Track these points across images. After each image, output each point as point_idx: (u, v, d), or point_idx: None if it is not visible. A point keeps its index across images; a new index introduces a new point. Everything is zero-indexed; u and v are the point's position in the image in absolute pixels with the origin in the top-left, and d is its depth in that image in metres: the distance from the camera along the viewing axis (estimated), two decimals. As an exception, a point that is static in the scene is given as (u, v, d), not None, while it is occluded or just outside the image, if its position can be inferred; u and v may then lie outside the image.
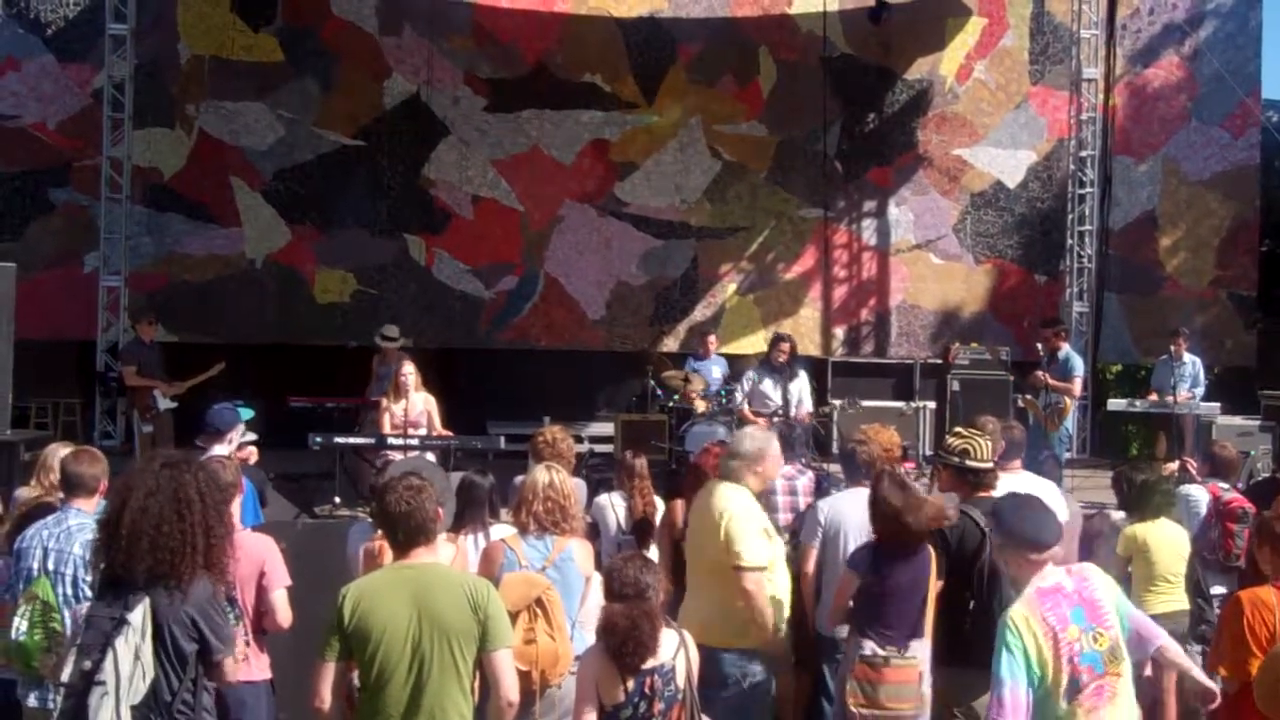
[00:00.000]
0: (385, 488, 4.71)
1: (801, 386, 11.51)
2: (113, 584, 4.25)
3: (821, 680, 6.94)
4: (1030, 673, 4.39)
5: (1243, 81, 16.93)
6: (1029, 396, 12.34)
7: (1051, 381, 12.02)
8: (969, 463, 6.00)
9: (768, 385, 11.43)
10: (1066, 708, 4.40)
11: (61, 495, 5.86)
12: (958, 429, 6.46)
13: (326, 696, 4.48)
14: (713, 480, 6.19)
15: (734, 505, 5.96)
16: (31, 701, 5.47)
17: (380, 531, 5.74)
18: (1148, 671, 5.76)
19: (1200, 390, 13.44)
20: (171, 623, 4.20)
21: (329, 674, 4.49)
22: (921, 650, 5.73)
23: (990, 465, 6.09)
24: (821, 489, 8.65)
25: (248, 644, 5.58)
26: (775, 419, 10.72)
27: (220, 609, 4.40)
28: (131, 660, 4.09)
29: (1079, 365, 12.54)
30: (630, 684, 4.70)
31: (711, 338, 13.89)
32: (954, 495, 6.10)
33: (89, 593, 5.29)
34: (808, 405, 11.56)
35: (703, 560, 6.00)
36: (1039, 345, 12.68)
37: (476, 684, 4.61)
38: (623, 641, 4.69)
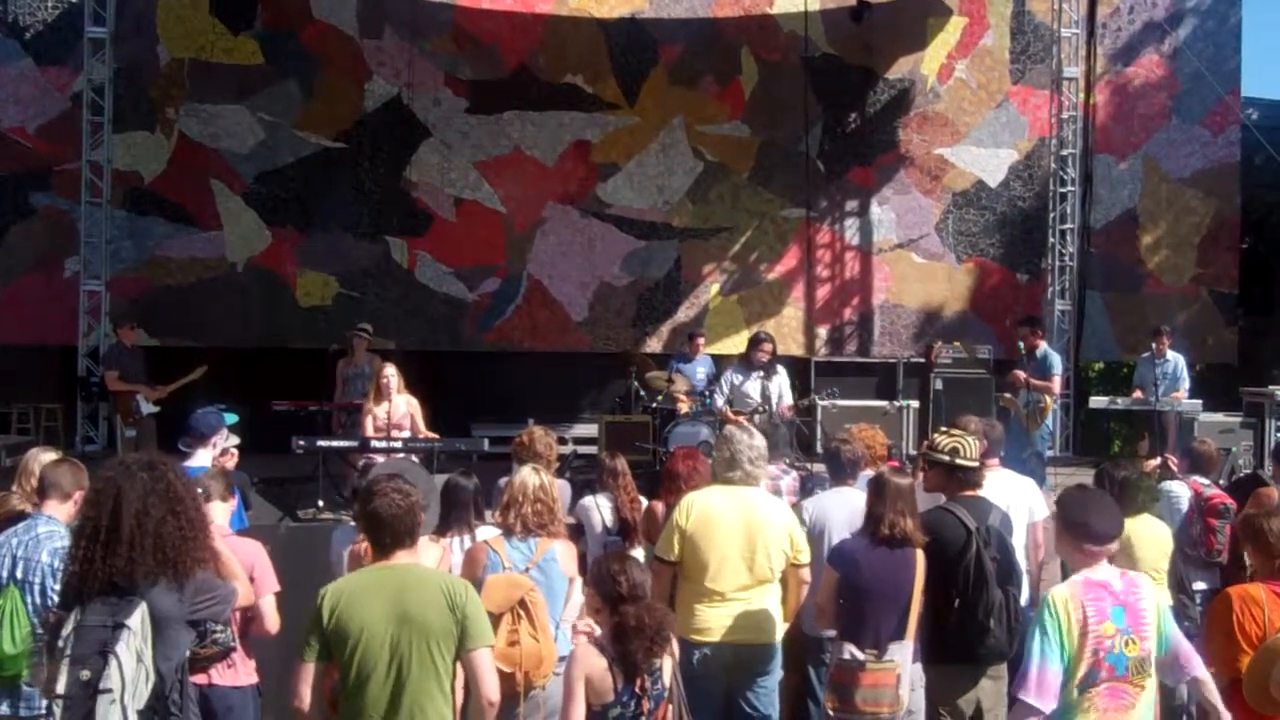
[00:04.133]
0: (374, 491, 4.68)
1: (781, 383, 11.50)
2: (106, 591, 4.21)
3: (808, 681, 6.98)
4: (1062, 654, 4.48)
5: (1223, 79, 16.99)
6: (1008, 395, 12.35)
7: (1033, 381, 12.03)
8: (959, 461, 6.01)
9: (749, 385, 11.42)
10: (1078, 697, 4.46)
11: (37, 500, 5.83)
12: (944, 428, 6.47)
13: (306, 696, 4.49)
14: (739, 487, 6.17)
15: (785, 508, 6.37)
16: (4, 710, 5.43)
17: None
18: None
19: (1186, 387, 13.46)
20: (164, 623, 4.19)
21: (308, 674, 4.49)
22: (901, 653, 5.75)
23: (978, 464, 6.10)
24: (806, 489, 8.67)
25: (234, 649, 5.58)
26: (757, 416, 10.71)
27: (215, 585, 4.45)
28: (134, 664, 4.08)
29: (1058, 363, 12.55)
30: (620, 684, 4.70)
31: (699, 340, 13.88)
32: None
33: (56, 601, 5.26)
34: (788, 400, 11.56)
35: (754, 567, 6.00)
36: (1020, 344, 12.69)
37: (459, 684, 4.61)
38: (652, 641, 4.70)
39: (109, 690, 4.03)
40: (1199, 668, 4.70)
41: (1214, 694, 4.70)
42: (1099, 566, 4.62)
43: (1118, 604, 4.54)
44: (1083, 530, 4.67)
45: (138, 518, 4.21)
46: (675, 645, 4.95)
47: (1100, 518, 4.71)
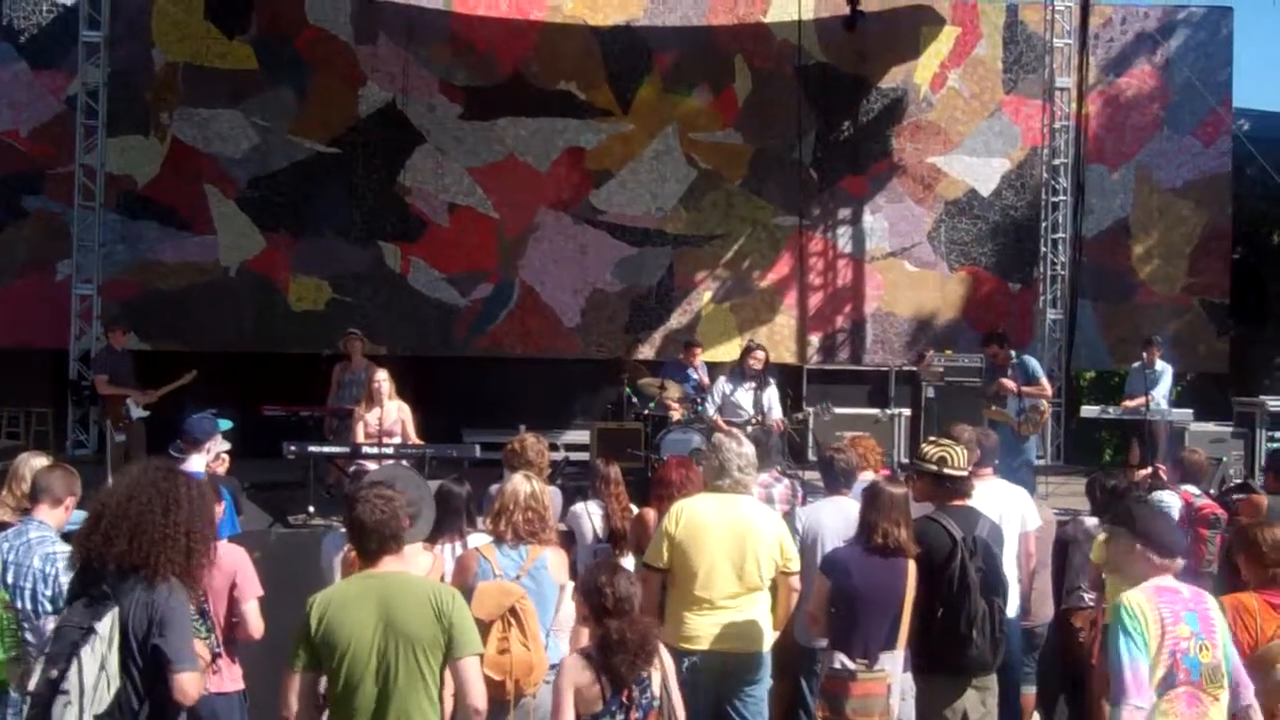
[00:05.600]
0: (357, 497, 4.70)
1: (772, 396, 11.51)
2: (85, 577, 4.24)
3: (799, 690, 6.98)
4: (1148, 654, 4.47)
5: (1214, 90, 17.04)
6: (994, 408, 12.27)
7: (1025, 389, 12.00)
8: (946, 470, 6.01)
9: (740, 394, 11.42)
10: (1158, 700, 4.45)
11: (28, 505, 5.83)
12: (932, 437, 6.48)
13: (294, 706, 4.49)
14: (728, 495, 6.17)
15: (775, 516, 6.35)
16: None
17: (352, 540, 5.74)
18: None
19: (1164, 394, 13.40)
20: (139, 628, 4.19)
21: (296, 683, 4.50)
22: (892, 663, 5.76)
23: (966, 473, 6.10)
24: (800, 497, 8.68)
25: (219, 655, 5.57)
26: (750, 426, 10.71)
27: (185, 623, 4.38)
28: (96, 670, 4.09)
29: (1038, 366, 12.50)
30: (609, 694, 4.70)
31: (696, 350, 13.83)
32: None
33: (48, 606, 5.30)
34: (778, 413, 11.57)
35: (744, 574, 5.99)
36: (1012, 353, 12.61)
37: (448, 693, 4.60)
38: (635, 655, 4.70)
39: (66, 692, 4.06)
40: (1251, 696, 4.64)
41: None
42: (1165, 578, 4.63)
43: (1189, 609, 4.56)
44: (1161, 544, 4.66)
45: (125, 501, 4.26)
46: (666, 656, 4.96)
47: (1174, 533, 4.80)
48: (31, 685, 4.18)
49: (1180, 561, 4.71)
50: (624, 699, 4.69)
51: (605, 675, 4.69)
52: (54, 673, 4.10)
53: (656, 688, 4.80)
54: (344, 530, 6.51)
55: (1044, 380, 12.29)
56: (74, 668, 4.07)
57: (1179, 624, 4.49)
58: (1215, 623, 4.60)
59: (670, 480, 6.91)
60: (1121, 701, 4.43)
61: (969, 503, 6.07)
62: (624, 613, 4.75)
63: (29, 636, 5.33)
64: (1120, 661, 4.46)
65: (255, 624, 5.69)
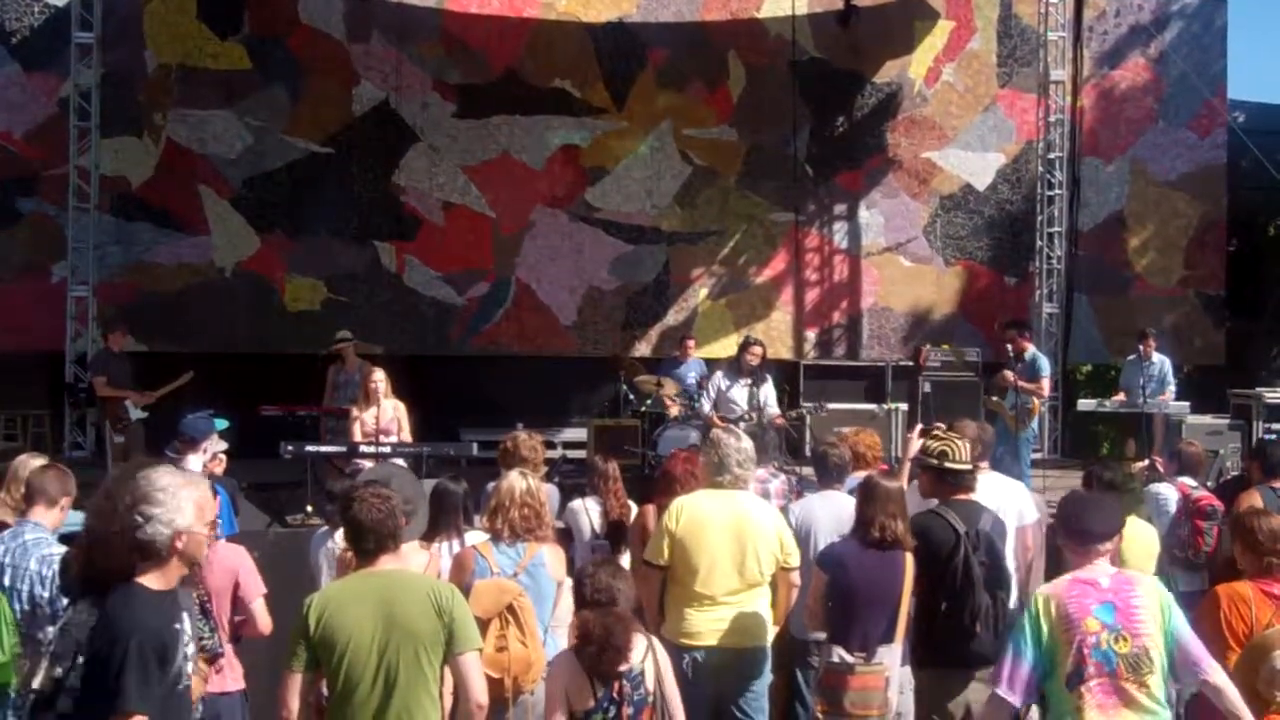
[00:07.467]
0: (353, 496, 4.69)
1: (769, 392, 11.51)
2: (86, 584, 4.25)
3: (795, 683, 6.98)
4: (1036, 651, 4.56)
5: (1208, 82, 17.05)
6: (995, 398, 12.34)
7: (1021, 383, 12.04)
8: (948, 464, 6.00)
9: (736, 390, 11.40)
10: (1069, 695, 4.50)
11: (24, 508, 5.83)
12: (934, 431, 6.46)
13: (293, 706, 4.48)
14: (728, 491, 6.15)
15: (774, 512, 6.36)
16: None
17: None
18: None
19: (1172, 389, 13.51)
20: None
21: (295, 684, 4.49)
22: (890, 656, 5.76)
23: (969, 467, 6.09)
24: (798, 492, 8.69)
25: (221, 655, 5.57)
26: (745, 421, 10.71)
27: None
28: None
29: (1046, 365, 12.57)
30: (599, 690, 4.70)
31: (690, 341, 13.90)
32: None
33: (45, 608, 5.31)
34: (774, 409, 11.57)
35: (745, 570, 5.97)
36: (1009, 346, 12.68)
37: (447, 690, 4.60)
38: (600, 649, 4.70)
39: (74, 689, 4.06)
40: (1212, 672, 4.60)
41: (1234, 703, 4.57)
42: (1093, 565, 4.68)
43: (1104, 601, 4.58)
44: (1070, 529, 4.76)
45: (95, 515, 4.30)
46: (662, 653, 4.96)
47: (1091, 516, 4.79)
48: (36, 683, 4.18)
49: (1105, 546, 4.74)
50: (615, 694, 4.70)
51: (588, 670, 4.71)
52: (59, 670, 4.11)
53: (651, 683, 4.80)
54: (326, 528, 6.55)
55: (1044, 381, 12.37)
56: (79, 666, 4.08)
57: (1087, 618, 4.54)
58: (1140, 610, 4.59)
59: (675, 475, 6.90)
60: (994, 688, 4.66)
61: (972, 497, 6.06)
62: (599, 605, 4.77)
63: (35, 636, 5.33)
64: (1005, 652, 4.68)
65: (264, 621, 5.72)
